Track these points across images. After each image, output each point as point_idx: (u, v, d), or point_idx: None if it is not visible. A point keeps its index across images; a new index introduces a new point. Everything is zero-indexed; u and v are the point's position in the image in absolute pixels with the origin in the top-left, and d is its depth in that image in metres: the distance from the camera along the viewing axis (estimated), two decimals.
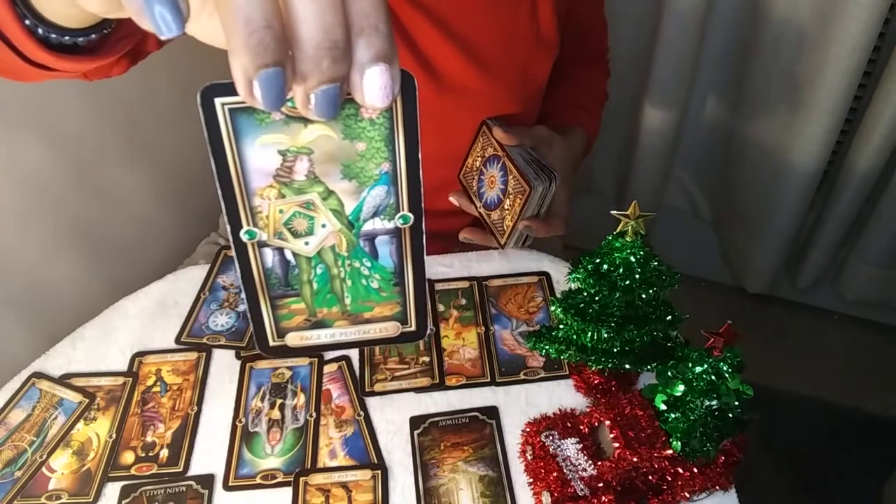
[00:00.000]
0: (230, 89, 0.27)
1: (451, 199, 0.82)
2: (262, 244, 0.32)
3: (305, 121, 0.29)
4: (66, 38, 0.40)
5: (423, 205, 0.32)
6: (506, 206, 0.75)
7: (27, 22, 0.39)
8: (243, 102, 0.27)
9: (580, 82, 0.97)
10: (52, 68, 0.42)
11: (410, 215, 0.32)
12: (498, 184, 0.76)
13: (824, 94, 1.14)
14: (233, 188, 0.30)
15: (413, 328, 0.36)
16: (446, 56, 0.75)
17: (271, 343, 0.36)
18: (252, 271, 0.33)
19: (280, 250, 0.33)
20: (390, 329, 0.36)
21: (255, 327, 0.35)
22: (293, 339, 0.36)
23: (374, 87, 0.26)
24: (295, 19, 0.24)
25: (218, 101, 0.28)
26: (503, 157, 0.74)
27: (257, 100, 0.25)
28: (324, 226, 0.32)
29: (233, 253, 0.32)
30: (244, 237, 0.32)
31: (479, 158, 0.79)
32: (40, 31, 0.40)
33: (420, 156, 0.31)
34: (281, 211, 0.31)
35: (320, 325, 0.35)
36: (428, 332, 0.38)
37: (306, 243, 0.32)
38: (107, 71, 0.45)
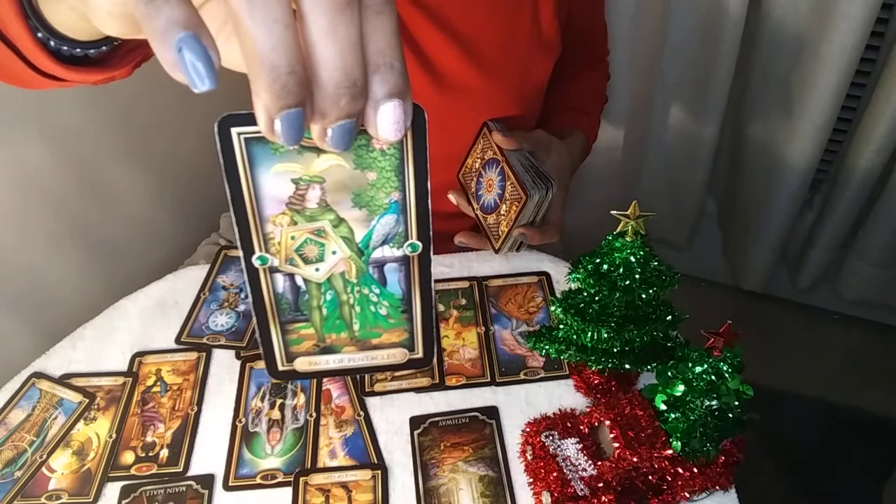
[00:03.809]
0: (246, 120, 0.28)
1: (450, 197, 0.82)
2: (273, 270, 0.33)
3: (318, 150, 0.29)
4: (78, 50, 0.41)
5: (431, 233, 0.32)
6: (502, 212, 0.75)
7: (39, 35, 0.39)
8: (258, 132, 0.28)
9: (580, 85, 0.97)
10: (61, 79, 0.42)
11: (419, 243, 0.32)
12: (495, 188, 0.76)
13: (816, 92, 1.15)
14: (246, 214, 0.31)
15: (420, 355, 0.37)
16: (448, 56, 0.75)
17: (280, 368, 0.36)
18: (263, 296, 0.34)
19: (291, 276, 0.33)
20: (398, 355, 0.36)
21: (265, 352, 0.35)
22: (302, 364, 0.36)
23: (388, 121, 0.27)
24: (316, 61, 0.25)
25: (234, 130, 0.29)
26: (502, 161, 0.74)
27: (278, 136, 0.26)
28: (334, 252, 0.32)
29: (245, 278, 0.33)
30: (256, 263, 0.32)
31: (479, 160, 0.79)
32: (52, 43, 0.40)
33: (429, 186, 0.31)
34: (293, 237, 0.32)
35: (329, 350, 0.36)
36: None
37: (317, 269, 0.33)
38: (111, 76, 0.46)
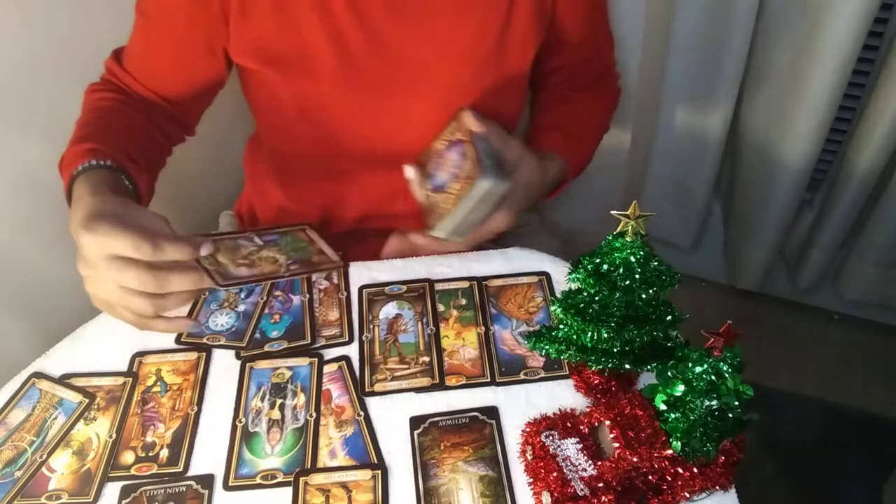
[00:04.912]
0: None
1: (406, 168, 0.76)
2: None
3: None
4: None
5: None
6: (452, 190, 0.71)
7: None
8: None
9: (567, 107, 0.91)
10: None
11: None
12: (451, 167, 0.72)
13: (810, 91, 1.15)
14: None
15: None
16: (415, 48, 0.74)
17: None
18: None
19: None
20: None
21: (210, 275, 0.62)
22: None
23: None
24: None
25: None
26: (467, 142, 0.71)
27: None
28: None
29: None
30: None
31: (445, 142, 0.76)
32: None
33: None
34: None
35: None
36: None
37: None
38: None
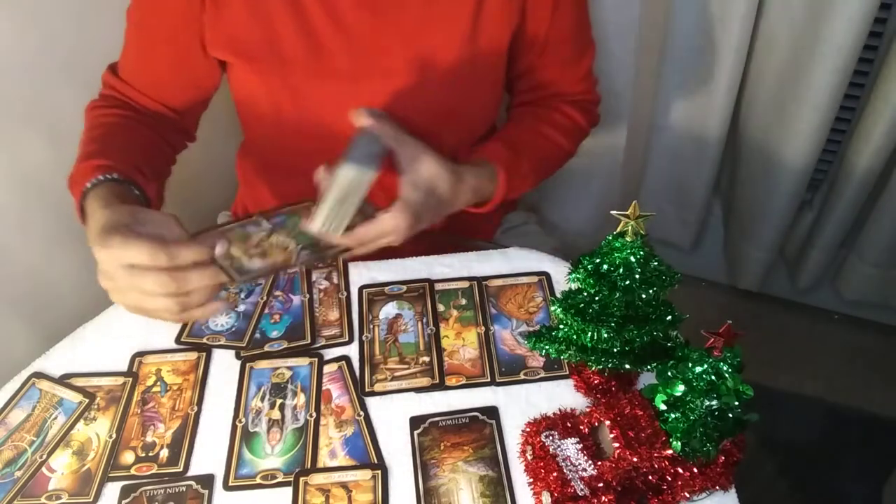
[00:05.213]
0: None
1: (318, 171, 0.69)
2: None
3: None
4: None
5: None
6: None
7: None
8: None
9: (522, 120, 0.87)
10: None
11: None
12: None
13: (811, 92, 1.15)
14: None
15: None
16: (374, 29, 0.74)
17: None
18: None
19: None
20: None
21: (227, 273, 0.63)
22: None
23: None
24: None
25: None
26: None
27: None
28: None
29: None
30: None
31: None
32: None
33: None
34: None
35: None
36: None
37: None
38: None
